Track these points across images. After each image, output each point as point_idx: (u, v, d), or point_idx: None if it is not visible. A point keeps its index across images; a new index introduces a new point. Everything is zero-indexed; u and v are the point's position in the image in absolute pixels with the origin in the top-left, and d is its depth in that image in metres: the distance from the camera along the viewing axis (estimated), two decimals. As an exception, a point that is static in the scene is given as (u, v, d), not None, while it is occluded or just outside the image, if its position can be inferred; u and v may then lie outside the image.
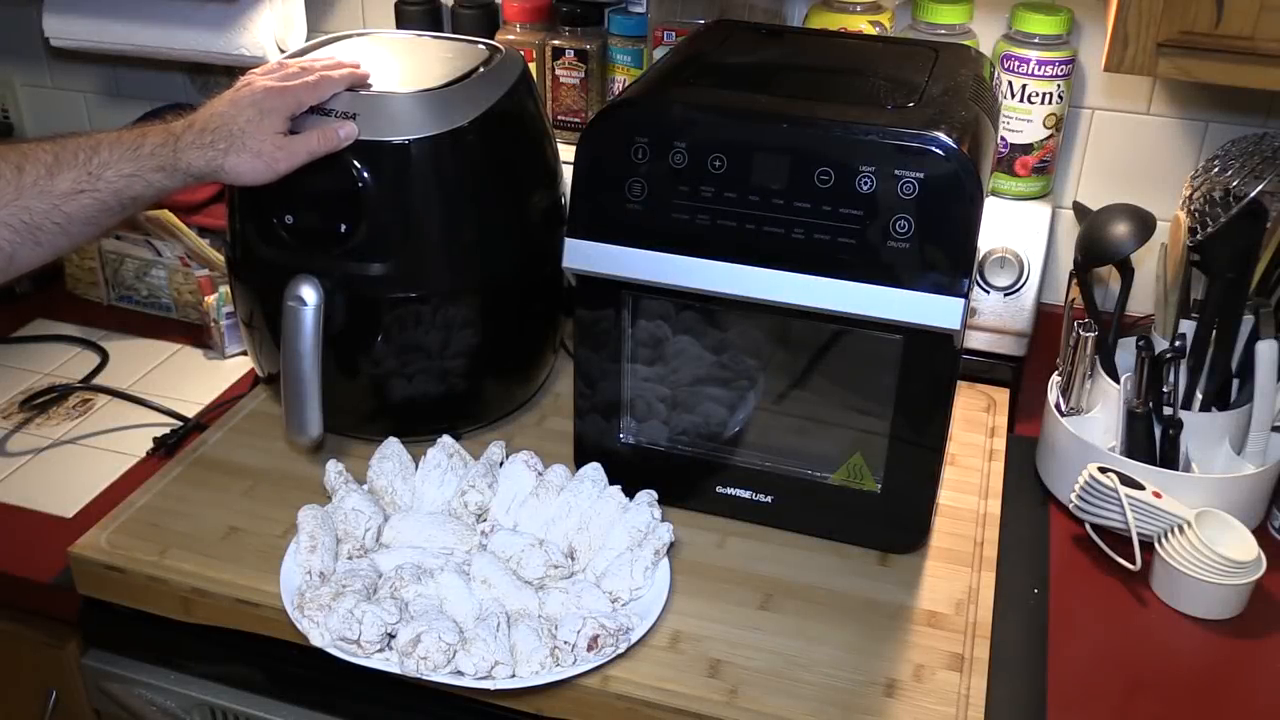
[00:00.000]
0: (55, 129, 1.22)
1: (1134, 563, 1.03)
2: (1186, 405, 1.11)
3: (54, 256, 0.98)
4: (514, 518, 1.02)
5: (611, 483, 1.03)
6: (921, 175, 0.86)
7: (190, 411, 1.25)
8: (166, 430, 1.21)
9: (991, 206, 1.01)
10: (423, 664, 0.87)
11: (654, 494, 1.02)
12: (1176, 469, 1.08)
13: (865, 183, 0.87)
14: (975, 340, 1.26)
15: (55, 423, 1.26)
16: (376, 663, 0.89)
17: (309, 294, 1.03)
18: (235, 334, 1.35)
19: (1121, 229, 1.12)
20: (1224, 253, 1.07)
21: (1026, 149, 1.25)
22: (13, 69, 1.71)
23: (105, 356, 1.38)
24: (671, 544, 0.99)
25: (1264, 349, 1.06)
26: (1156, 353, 1.07)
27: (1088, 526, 1.08)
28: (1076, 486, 1.06)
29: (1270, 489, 1.10)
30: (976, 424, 1.22)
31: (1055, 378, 1.17)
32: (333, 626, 0.89)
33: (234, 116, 0.99)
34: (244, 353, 1.34)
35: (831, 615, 0.96)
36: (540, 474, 1.05)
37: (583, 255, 0.97)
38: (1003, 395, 1.26)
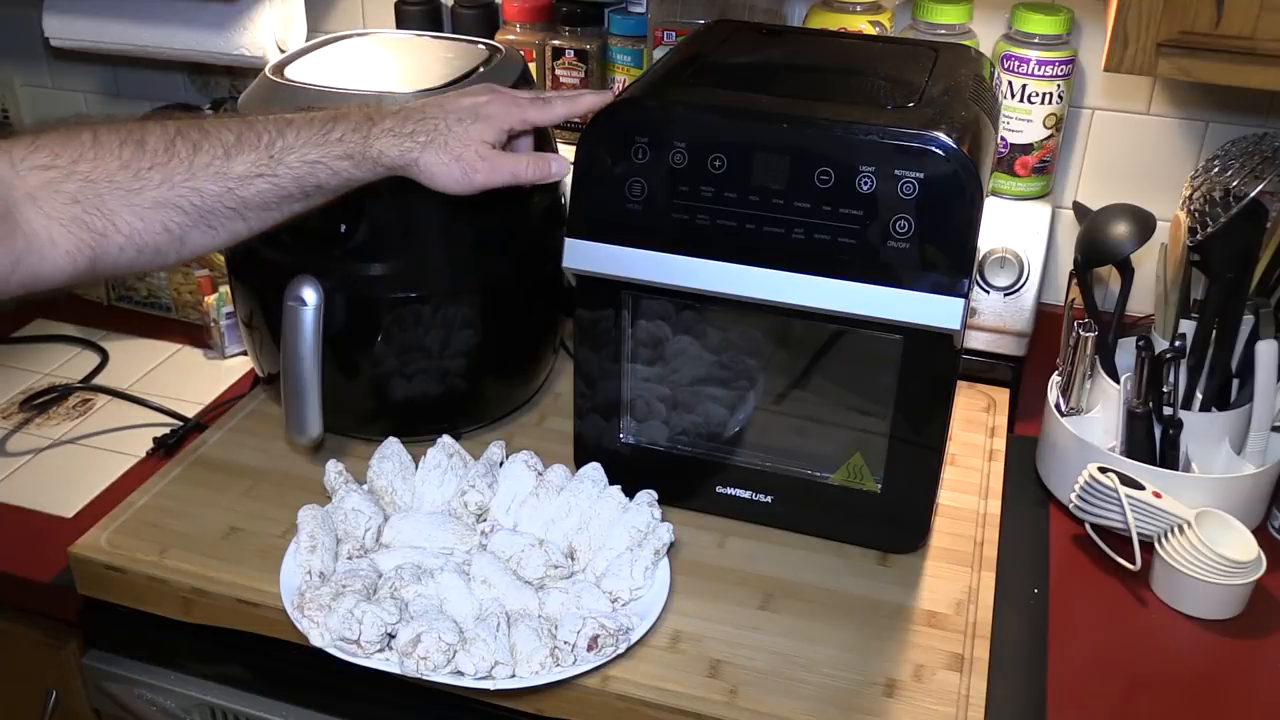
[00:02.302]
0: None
1: (1134, 563, 1.03)
2: (1186, 405, 1.11)
3: (233, 242, 0.90)
4: (514, 518, 1.02)
5: (611, 483, 1.03)
6: (921, 175, 0.86)
7: (190, 411, 1.25)
8: (166, 430, 1.21)
9: (991, 206, 1.01)
10: (423, 664, 0.87)
11: (654, 494, 1.02)
12: (1176, 469, 1.08)
13: (865, 183, 0.87)
14: (975, 340, 1.26)
15: (55, 423, 1.26)
16: (376, 663, 0.89)
17: (309, 294, 1.03)
18: (235, 334, 1.35)
19: (1121, 229, 1.12)
20: (1224, 253, 1.07)
21: (1026, 149, 1.25)
22: (13, 69, 1.71)
23: (105, 356, 1.38)
24: (671, 544, 0.99)
25: (1264, 349, 1.06)
26: (1156, 353, 1.07)
27: (1088, 526, 1.08)
28: (1076, 486, 1.06)
29: (1270, 489, 1.10)
30: (976, 424, 1.22)
31: (1055, 378, 1.17)
32: (333, 626, 0.88)
33: (446, 113, 0.91)
34: (244, 353, 1.34)
35: (831, 615, 0.96)
36: (540, 474, 1.05)
37: (582, 255, 0.97)
38: (1003, 395, 1.26)
